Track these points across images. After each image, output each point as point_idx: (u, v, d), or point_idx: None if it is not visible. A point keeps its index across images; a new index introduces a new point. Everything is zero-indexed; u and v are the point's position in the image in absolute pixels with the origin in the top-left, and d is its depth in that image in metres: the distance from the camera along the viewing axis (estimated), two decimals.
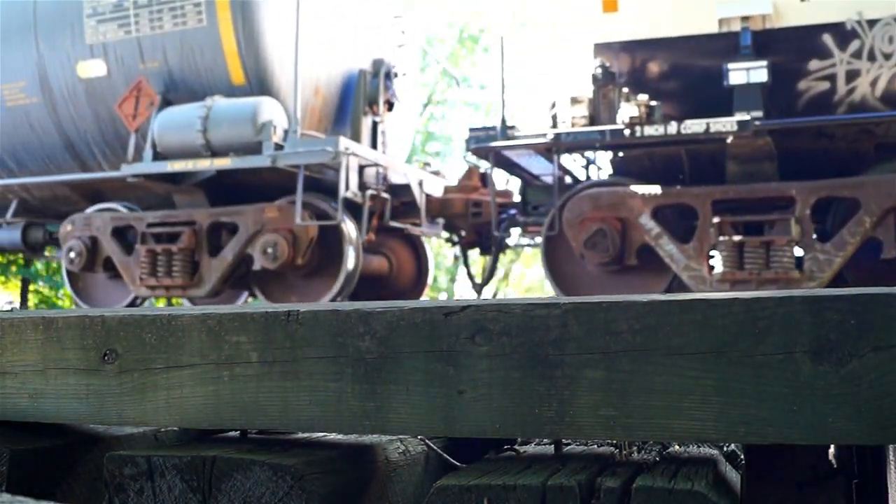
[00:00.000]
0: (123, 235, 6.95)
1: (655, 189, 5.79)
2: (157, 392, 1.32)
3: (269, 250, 6.20)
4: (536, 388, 1.13)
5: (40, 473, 1.40)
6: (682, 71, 5.96)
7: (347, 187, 6.20)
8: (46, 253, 8.44)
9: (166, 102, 6.52)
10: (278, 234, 6.22)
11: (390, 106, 7.23)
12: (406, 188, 7.02)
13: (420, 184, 7.15)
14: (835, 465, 1.32)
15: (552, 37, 6.39)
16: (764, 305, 1.05)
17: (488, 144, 6.21)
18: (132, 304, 7.16)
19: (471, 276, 7.75)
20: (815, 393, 1.03)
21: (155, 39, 6.65)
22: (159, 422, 1.34)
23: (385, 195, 6.79)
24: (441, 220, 7.55)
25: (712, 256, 5.74)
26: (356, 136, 6.83)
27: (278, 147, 6.07)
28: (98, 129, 7.05)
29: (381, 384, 1.20)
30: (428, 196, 7.24)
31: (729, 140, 5.53)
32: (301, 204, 6.12)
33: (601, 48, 6.05)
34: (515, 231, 7.37)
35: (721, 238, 5.49)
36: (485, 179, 7.27)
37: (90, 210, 7.21)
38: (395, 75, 7.23)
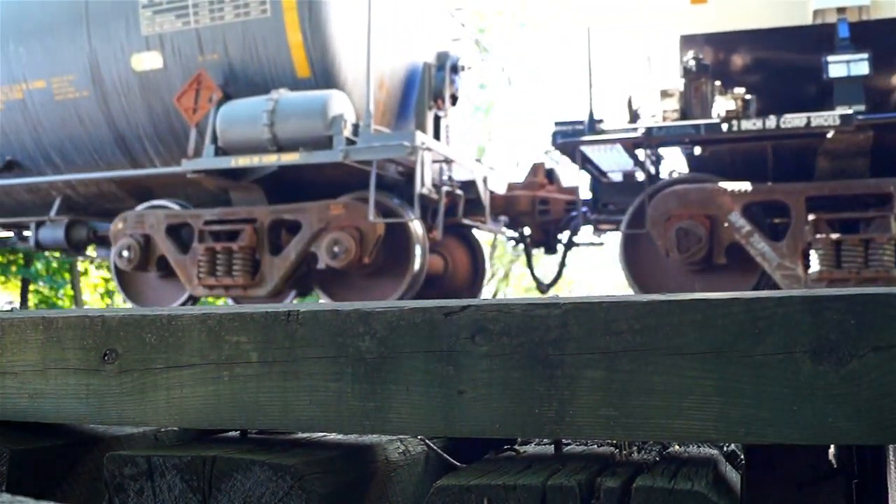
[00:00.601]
0: (177, 233, 6.71)
1: (746, 186, 5.60)
2: (157, 392, 1.32)
3: (336, 249, 5.97)
4: (536, 388, 1.13)
5: (40, 473, 1.40)
6: (772, 64, 5.75)
7: (423, 184, 5.96)
8: (89, 252, 8.22)
9: (225, 96, 6.25)
10: (345, 232, 5.99)
11: (454, 100, 6.97)
12: (471, 185, 6.75)
13: (485, 180, 6.89)
14: (835, 465, 1.32)
15: (637, 29, 6.20)
16: (764, 305, 1.05)
17: (578, 139, 5.97)
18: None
19: (535, 277, 7.32)
20: (815, 393, 1.03)
21: (215, 31, 6.38)
22: (159, 422, 1.34)
23: (459, 192, 6.55)
24: (504, 218, 7.24)
25: (807, 255, 5.54)
26: (421, 131, 6.53)
27: (350, 142, 5.85)
28: (151, 123, 6.82)
29: (381, 384, 1.20)
30: (491, 193, 6.96)
31: (829, 135, 5.32)
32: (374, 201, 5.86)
33: (688, 41, 5.85)
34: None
35: (817, 236, 5.32)
36: (551, 176, 7.05)
37: (140, 207, 6.97)
38: (463, 68, 6.97)
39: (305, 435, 1.46)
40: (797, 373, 1.04)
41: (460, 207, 6.59)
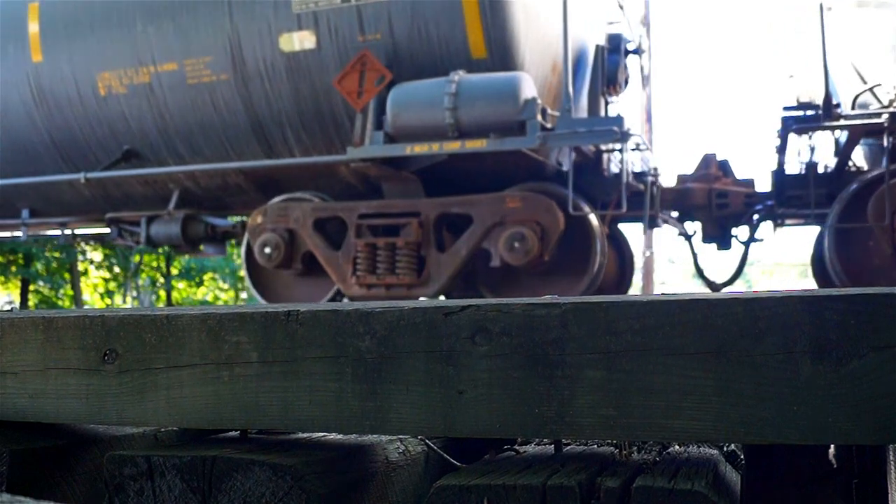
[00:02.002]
0: (323, 228, 6.24)
1: None
2: (157, 392, 1.32)
3: (516, 244, 5.48)
4: (537, 388, 1.13)
5: (40, 473, 1.40)
6: None
7: (629, 173, 5.50)
8: (201, 248, 7.77)
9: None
10: (525, 227, 5.51)
11: (624, 85, 6.55)
12: (641, 176, 6.29)
13: (655, 171, 6.45)
14: (835, 465, 1.32)
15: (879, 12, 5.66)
16: (764, 305, 1.05)
17: (819, 124, 5.49)
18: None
19: (704, 276, 6.79)
20: (815, 393, 1.03)
21: (378, 8, 5.77)
22: (159, 422, 1.34)
23: (660, 183, 6.06)
24: (673, 213, 6.73)
25: None
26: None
27: (543, 127, 5.31)
28: (296, 109, 6.24)
29: (381, 384, 1.20)
30: (661, 185, 6.52)
31: None
32: (542, 192, 5.44)
33: None
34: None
35: None
36: (725, 168, 6.53)
37: (276, 200, 6.45)
38: (640, 51, 6.55)
39: (305, 435, 1.46)
40: (797, 373, 1.04)
41: (656, 200, 6.09)
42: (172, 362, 1.31)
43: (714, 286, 6.73)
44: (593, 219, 5.74)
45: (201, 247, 7.60)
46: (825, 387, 1.03)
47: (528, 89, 5.34)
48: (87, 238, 8.95)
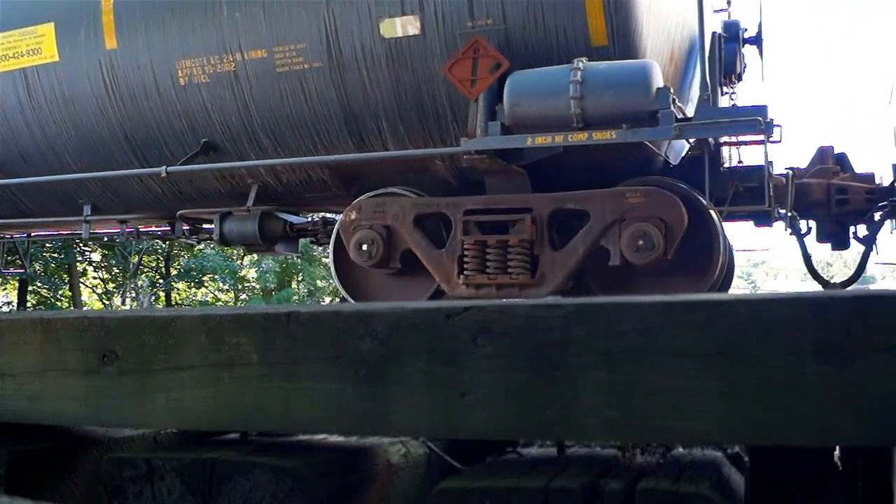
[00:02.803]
0: (422, 224, 5.85)
1: None
2: (156, 394, 1.31)
3: (641, 242, 5.18)
4: (539, 389, 1.12)
5: (39, 475, 1.39)
6: None
7: (772, 168, 5.11)
8: (277, 247, 7.31)
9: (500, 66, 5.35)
10: (648, 224, 5.22)
11: (740, 76, 6.14)
12: (756, 170, 5.85)
13: (770, 165, 5.98)
14: (840, 467, 1.31)
15: None
16: (768, 307, 1.04)
17: None
18: None
19: (818, 275, 6.31)
20: (820, 394, 1.02)
21: None
22: (159, 424, 1.33)
23: (790, 177, 5.67)
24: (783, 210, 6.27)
25: None
26: None
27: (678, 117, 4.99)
28: (394, 98, 5.86)
29: (383, 386, 1.19)
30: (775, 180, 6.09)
31: None
32: (659, 187, 5.09)
33: None
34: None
35: None
36: (842, 162, 6.09)
37: (368, 196, 6.08)
38: (756, 40, 6.09)
39: (306, 437, 1.45)
40: (801, 374, 1.03)
41: (767, 196, 5.66)
42: (172, 364, 1.30)
43: (829, 285, 6.34)
44: (714, 215, 5.40)
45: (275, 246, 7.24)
46: (830, 388, 1.02)
47: (659, 78, 5.03)
48: (149, 236, 8.59)
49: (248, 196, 6.71)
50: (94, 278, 21.63)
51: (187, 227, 7.75)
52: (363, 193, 6.28)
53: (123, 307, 19.62)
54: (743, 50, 6.13)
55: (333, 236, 6.28)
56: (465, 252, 5.54)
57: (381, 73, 5.77)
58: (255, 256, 20.31)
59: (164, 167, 6.46)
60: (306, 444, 1.40)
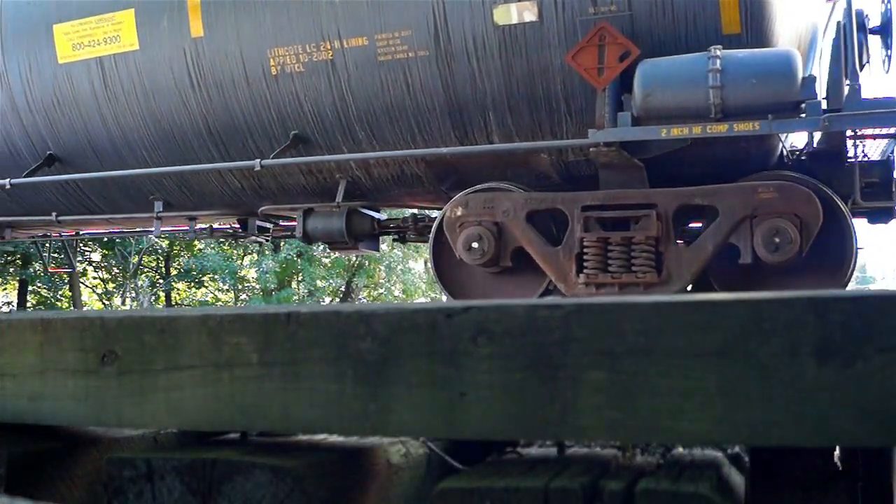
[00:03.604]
0: (532, 221, 5.61)
1: None
2: (156, 394, 1.31)
3: (777, 239, 4.98)
4: (539, 389, 1.12)
5: (39, 475, 1.39)
6: None
7: None
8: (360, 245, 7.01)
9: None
10: (783, 220, 5.01)
11: (863, 66, 5.88)
12: (879, 166, 5.66)
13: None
14: (840, 468, 1.31)
15: None
16: (769, 307, 1.04)
17: None
18: None
19: None
20: (820, 395, 1.02)
21: None
22: (159, 424, 1.33)
23: None
24: None
25: None
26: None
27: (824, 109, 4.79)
28: (505, 89, 5.55)
29: (383, 386, 1.19)
30: None
31: None
32: (798, 182, 4.93)
33: None
34: None
35: None
36: None
37: (466, 192, 5.80)
38: (885, 30, 5.85)
39: (306, 437, 1.45)
40: (802, 374, 1.03)
41: (856, 190, 5.51)
42: (172, 364, 1.30)
43: None
44: (846, 210, 5.25)
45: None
46: (830, 389, 1.02)
47: (801, 67, 4.84)
48: (222, 234, 8.14)
49: (331, 192, 6.42)
50: (94, 278, 21.63)
51: (268, 224, 7.37)
52: (456, 189, 6.03)
53: (123, 307, 19.62)
54: (867, 40, 5.84)
55: (433, 233, 6.02)
56: (585, 249, 5.30)
57: (491, 62, 5.48)
58: (255, 256, 20.32)
59: (257, 161, 6.09)
60: (306, 444, 1.40)
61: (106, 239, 10.19)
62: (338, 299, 21.67)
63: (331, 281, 21.46)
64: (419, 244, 7.75)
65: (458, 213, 5.65)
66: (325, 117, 6.08)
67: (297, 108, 6.12)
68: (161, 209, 7.03)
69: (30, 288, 19.13)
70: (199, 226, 7.67)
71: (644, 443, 1.32)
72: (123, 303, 20.02)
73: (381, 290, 23.08)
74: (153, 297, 20.85)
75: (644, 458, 1.29)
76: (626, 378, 1.08)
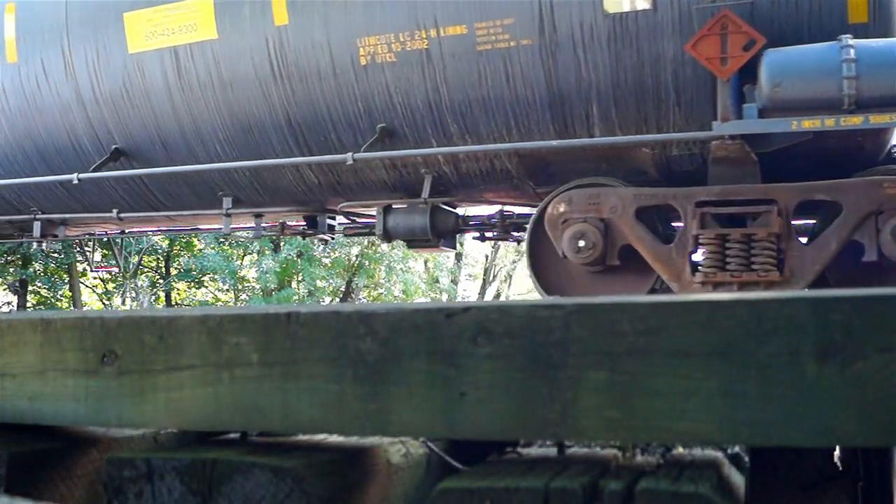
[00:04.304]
0: (641, 218, 5.43)
1: None
2: (156, 394, 1.31)
3: None
4: (539, 389, 1.12)
5: (39, 476, 1.39)
6: None
7: None
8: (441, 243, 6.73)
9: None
10: None
11: None
12: None
13: None
14: (840, 468, 1.31)
15: None
16: (769, 307, 1.04)
17: None
18: None
19: None
20: (820, 395, 1.02)
21: None
22: (159, 424, 1.33)
23: None
24: None
25: None
26: None
27: None
28: (611, 80, 5.38)
29: (383, 386, 1.19)
30: None
31: None
32: None
33: None
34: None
35: None
36: None
37: (567, 187, 5.57)
38: None
39: (306, 437, 1.45)
40: (802, 374, 1.03)
41: None
42: (172, 364, 1.30)
43: None
44: None
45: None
46: (830, 389, 1.02)
47: None
48: (292, 232, 7.78)
49: (412, 187, 6.20)
50: (94, 278, 21.63)
51: (346, 221, 7.02)
52: (547, 184, 5.84)
53: (123, 307, 19.62)
54: None
55: (530, 230, 5.82)
56: (701, 247, 5.12)
57: (599, 51, 5.28)
58: (255, 256, 20.32)
59: (349, 154, 5.83)
60: (306, 444, 1.40)
61: (106, 239, 10.00)
62: (338, 299, 21.68)
63: (331, 281, 21.46)
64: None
65: (561, 209, 5.44)
66: (416, 109, 5.83)
67: (387, 100, 5.87)
68: (230, 206, 6.78)
69: (30, 288, 19.12)
70: (266, 223, 7.35)
71: (644, 443, 1.32)
72: (123, 303, 20.01)
73: (381, 290, 23.08)
74: (153, 297, 20.85)
75: (644, 458, 1.29)
76: (626, 378, 1.09)
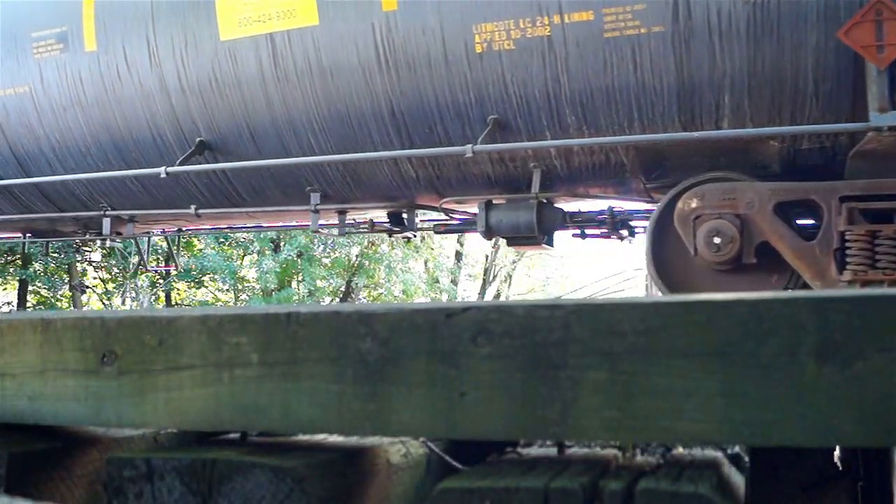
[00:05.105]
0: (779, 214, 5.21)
1: None
2: (156, 394, 1.31)
3: None
4: (539, 389, 1.12)
5: (39, 476, 1.39)
6: None
7: None
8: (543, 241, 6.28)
9: None
10: None
11: None
12: None
13: None
14: (840, 468, 1.31)
15: None
16: (769, 307, 1.04)
17: None
18: None
19: None
20: (820, 395, 1.02)
21: None
22: (159, 424, 1.33)
23: None
24: None
25: None
26: None
27: None
28: (747, 69, 5.11)
29: (383, 386, 1.19)
30: None
31: None
32: None
33: None
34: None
35: None
36: None
37: (695, 181, 5.40)
38: None
39: (306, 437, 1.45)
40: (802, 374, 1.03)
41: None
42: (172, 364, 1.30)
43: None
44: None
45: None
46: (830, 389, 1.02)
47: None
48: (381, 229, 7.36)
49: (515, 182, 5.92)
50: (94, 278, 21.63)
51: (447, 218, 6.67)
52: (658, 179, 5.61)
53: (123, 307, 19.62)
54: None
55: (651, 227, 5.61)
56: (848, 244, 4.88)
57: (735, 39, 5.01)
58: (255, 257, 20.31)
59: (468, 146, 5.47)
60: (306, 444, 1.40)
61: (168, 237, 9.66)
62: (338, 299, 21.67)
63: (331, 281, 21.45)
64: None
65: (693, 204, 5.21)
66: (532, 100, 5.48)
67: (501, 90, 5.52)
68: (318, 201, 6.44)
69: (29, 288, 19.12)
70: (349, 220, 7.01)
71: (644, 443, 1.32)
72: (123, 303, 20.01)
73: (380, 291, 23.08)
74: (153, 297, 20.84)
75: (644, 458, 1.29)
76: (626, 378, 1.09)
